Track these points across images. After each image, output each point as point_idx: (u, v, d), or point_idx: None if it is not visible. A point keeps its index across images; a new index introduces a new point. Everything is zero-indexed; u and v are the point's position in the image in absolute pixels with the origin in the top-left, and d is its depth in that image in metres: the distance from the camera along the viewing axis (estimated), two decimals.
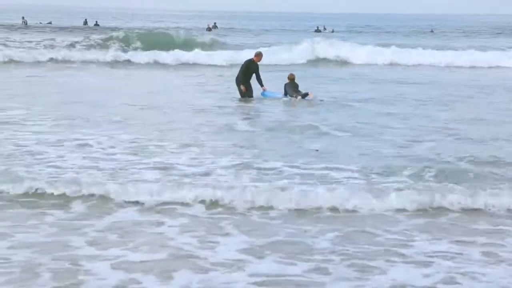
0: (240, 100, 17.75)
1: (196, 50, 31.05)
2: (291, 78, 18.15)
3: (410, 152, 11.60)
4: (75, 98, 17.05)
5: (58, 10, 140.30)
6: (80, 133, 12.58)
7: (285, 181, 9.44)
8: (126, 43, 33.75)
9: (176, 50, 30.60)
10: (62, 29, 56.21)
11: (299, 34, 57.43)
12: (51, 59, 28.07)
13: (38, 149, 11.17)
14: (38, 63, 27.37)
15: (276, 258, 6.84)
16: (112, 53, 29.87)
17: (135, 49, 32.24)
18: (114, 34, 35.77)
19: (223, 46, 35.50)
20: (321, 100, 17.30)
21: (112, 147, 11.49)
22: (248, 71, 18.07)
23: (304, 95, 17.71)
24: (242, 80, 18.02)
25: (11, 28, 55.95)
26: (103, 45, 33.12)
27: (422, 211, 8.49)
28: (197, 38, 37.37)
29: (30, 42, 37.42)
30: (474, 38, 59.76)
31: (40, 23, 67.91)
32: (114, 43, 33.39)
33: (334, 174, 9.97)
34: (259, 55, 18.30)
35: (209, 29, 62.19)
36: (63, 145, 11.55)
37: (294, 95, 17.73)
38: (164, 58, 29.38)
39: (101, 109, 15.33)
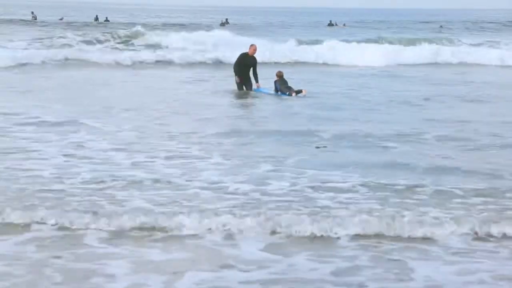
0: (237, 95, 18.01)
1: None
2: (280, 76, 18.51)
3: None
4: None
5: (54, 6, 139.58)
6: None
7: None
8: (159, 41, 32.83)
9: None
10: (78, 25, 55.22)
11: (318, 29, 57.15)
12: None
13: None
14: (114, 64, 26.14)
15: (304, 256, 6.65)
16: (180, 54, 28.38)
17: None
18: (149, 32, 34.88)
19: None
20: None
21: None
22: (243, 64, 18.36)
23: (298, 92, 18.02)
24: (238, 73, 18.37)
25: (25, 23, 55.02)
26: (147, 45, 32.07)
27: None
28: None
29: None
30: (494, 33, 58.80)
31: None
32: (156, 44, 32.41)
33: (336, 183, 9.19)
34: (253, 48, 18.51)
35: (222, 24, 61.92)
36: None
37: (288, 92, 18.01)
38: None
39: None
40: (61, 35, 35.20)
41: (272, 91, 18.41)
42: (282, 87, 18.24)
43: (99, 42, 32.74)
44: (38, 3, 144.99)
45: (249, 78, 18.48)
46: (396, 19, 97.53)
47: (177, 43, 32.24)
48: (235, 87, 18.59)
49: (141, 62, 26.70)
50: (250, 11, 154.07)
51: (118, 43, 32.67)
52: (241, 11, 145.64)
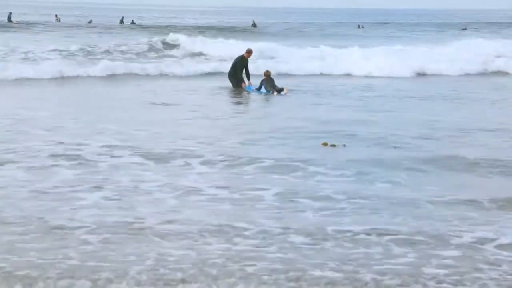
0: (233, 91, 19.79)
1: None
2: (267, 75, 20.05)
3: None
4: None
5: (69, 7, 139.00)
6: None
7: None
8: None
9: None
10: (108, 28, 54.35)
11: (357, 32, 56.88)
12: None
13: None
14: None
15: None
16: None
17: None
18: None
19: None
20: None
21: None
22: (239, 66, 20.30)
23: (280, 90, 19.54)
24: (234, 74, 20.38)
25: (50, 25, 53.06)
26: None
27: None
28: None
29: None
30: None
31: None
32: None
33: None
34: (249, 52, 20.64)
35: (254, 25, 61.96)
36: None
37: (271, 90, 19.57)
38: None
39: None
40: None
41: (261, 90, 19.82)
42: (267, 85, 19.77)
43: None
44: (44, 4, 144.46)
45: (243, 78, 20.38)
46: (409, 20, 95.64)
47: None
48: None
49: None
50: (260, 12, 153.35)
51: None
52: (251, 12, 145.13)
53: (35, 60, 26.19)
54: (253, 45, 24.77)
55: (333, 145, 11.72)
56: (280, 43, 33.98)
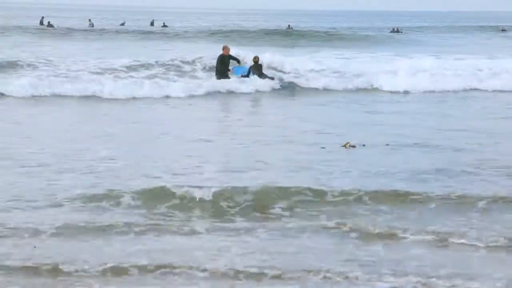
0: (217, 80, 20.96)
1: None
2: (256, 61, 20.97)
3: None
4: None
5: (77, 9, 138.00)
6: None
7: None
8: None
9: None
10: (144, 32, 51.80)
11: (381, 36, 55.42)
12: None
13: None
14: None
15: None
16: None
17: None
18: None
19: None
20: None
21: None
22: (223, 63, 21.43)
23: (270, 78, 20.69)
24: (221, 71, 21.38)
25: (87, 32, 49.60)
26: None
27: None
28: None
29: None
30: None
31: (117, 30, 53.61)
32: None
33: None
34: (225, 48, 21.66)
35: (290, 28, 60.49)
36: None
37: (262, 76, 20.57)
38: None
39: None
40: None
41: (245, 76, 20.70)
42: (255, 71, 20.62)
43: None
44: (74, 6, 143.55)
45: (227, 72, 21.36)
46: (436, 24, 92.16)
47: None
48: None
49: None
50: (279, 14, 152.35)
51: None
52: (270, 14, 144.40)
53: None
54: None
55: (353, 146, 11.83)
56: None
